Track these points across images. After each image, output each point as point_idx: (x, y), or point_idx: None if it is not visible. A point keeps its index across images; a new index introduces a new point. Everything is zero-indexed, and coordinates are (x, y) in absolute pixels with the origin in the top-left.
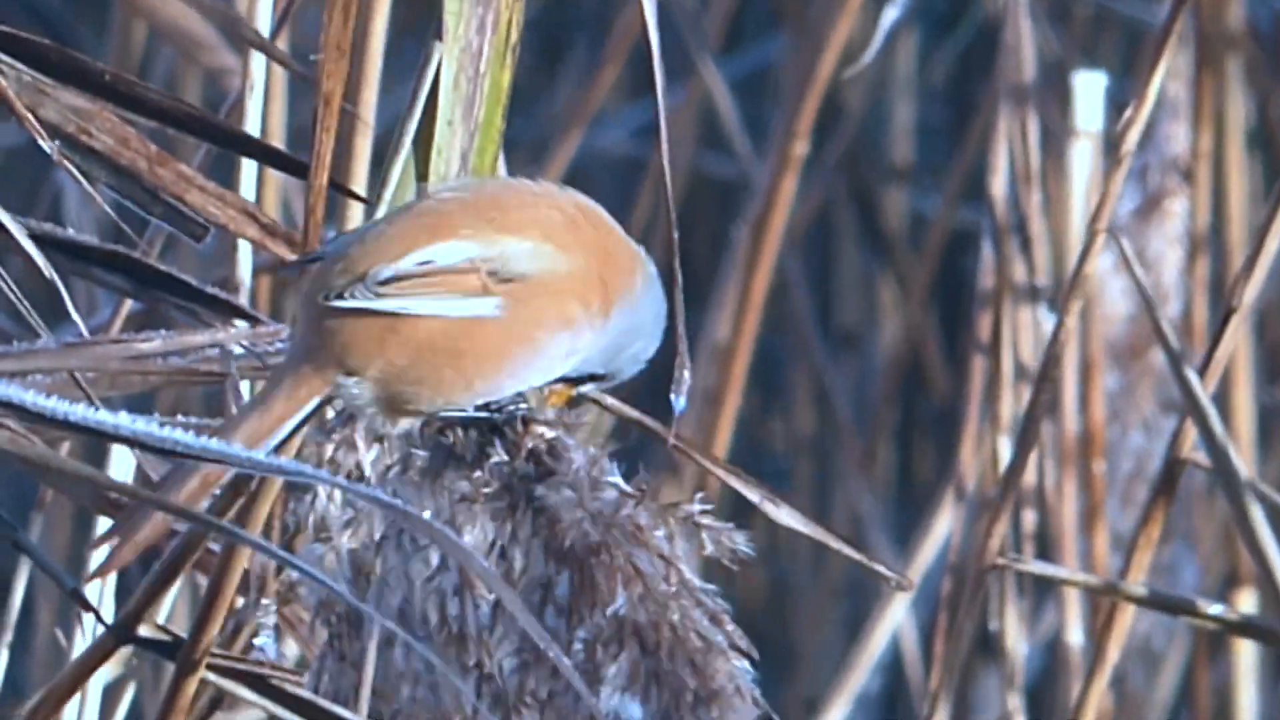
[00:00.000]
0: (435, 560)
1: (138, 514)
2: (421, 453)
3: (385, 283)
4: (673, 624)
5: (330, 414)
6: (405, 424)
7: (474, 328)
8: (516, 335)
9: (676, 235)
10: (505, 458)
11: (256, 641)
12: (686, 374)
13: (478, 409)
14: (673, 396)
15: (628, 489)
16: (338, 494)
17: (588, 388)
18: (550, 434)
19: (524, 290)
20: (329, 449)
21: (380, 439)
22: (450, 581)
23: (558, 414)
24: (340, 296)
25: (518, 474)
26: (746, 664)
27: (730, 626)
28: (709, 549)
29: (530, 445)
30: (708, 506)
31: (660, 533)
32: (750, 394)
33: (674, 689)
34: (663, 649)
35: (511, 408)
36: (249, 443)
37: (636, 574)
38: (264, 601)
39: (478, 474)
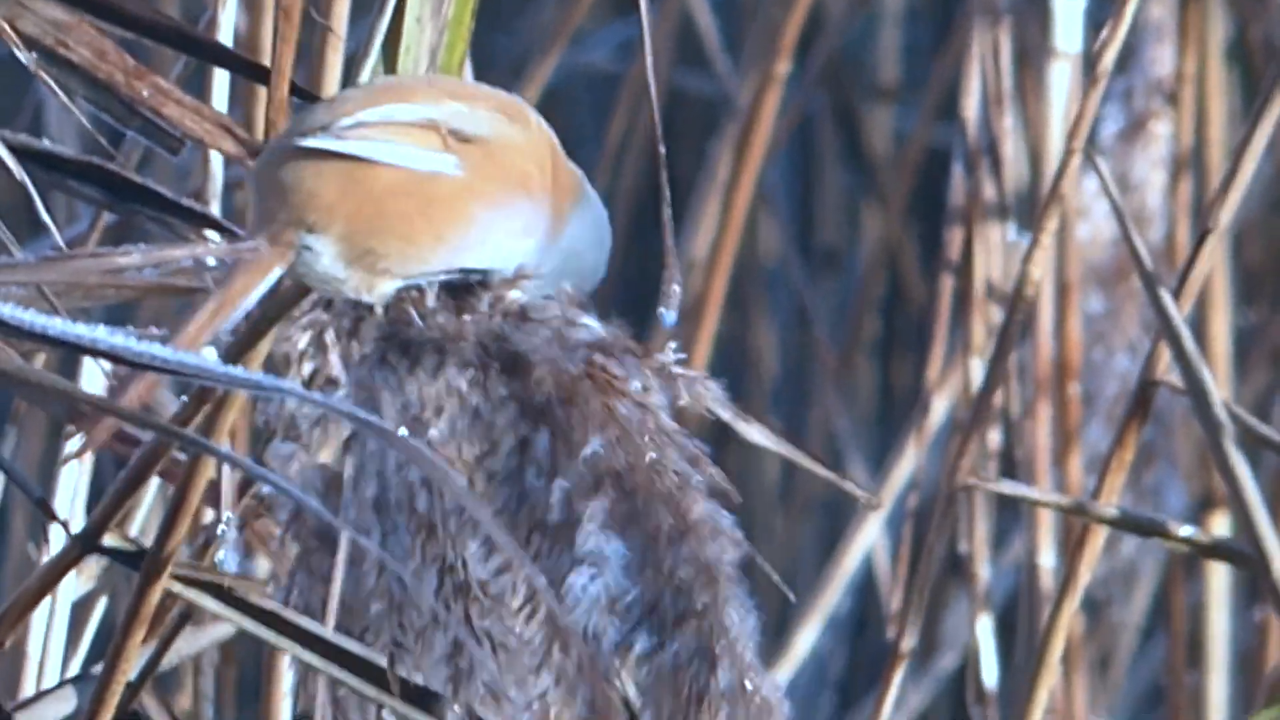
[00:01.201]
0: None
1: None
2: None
3: (346, 129)
4: (648, 465)
5: (298, 311)
6: (381, 290)
7: (436, 181)
8: (478, 192)
9: (663, 149)
10: (479, 313)
11: (218, 556)
12: (677, 288)
13: (450, 273)
14: (661, 310)
15: (602, 333)
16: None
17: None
18: (523, 297)
19: (482, 153)
20: (299, 343)
21: (352, 331)
22: (418, 474)
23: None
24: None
25: (491, 330)
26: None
27: (711, 469)
28: (684, 398)
29: (505, 300)
30: (682, 356)
31: (636, 383)
32: (729, 312)
33: (650, 527)
34: (639, 490)
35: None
36: (214, 319)
37: (612, 418)
38: (227, 515)
39: (452, 336)
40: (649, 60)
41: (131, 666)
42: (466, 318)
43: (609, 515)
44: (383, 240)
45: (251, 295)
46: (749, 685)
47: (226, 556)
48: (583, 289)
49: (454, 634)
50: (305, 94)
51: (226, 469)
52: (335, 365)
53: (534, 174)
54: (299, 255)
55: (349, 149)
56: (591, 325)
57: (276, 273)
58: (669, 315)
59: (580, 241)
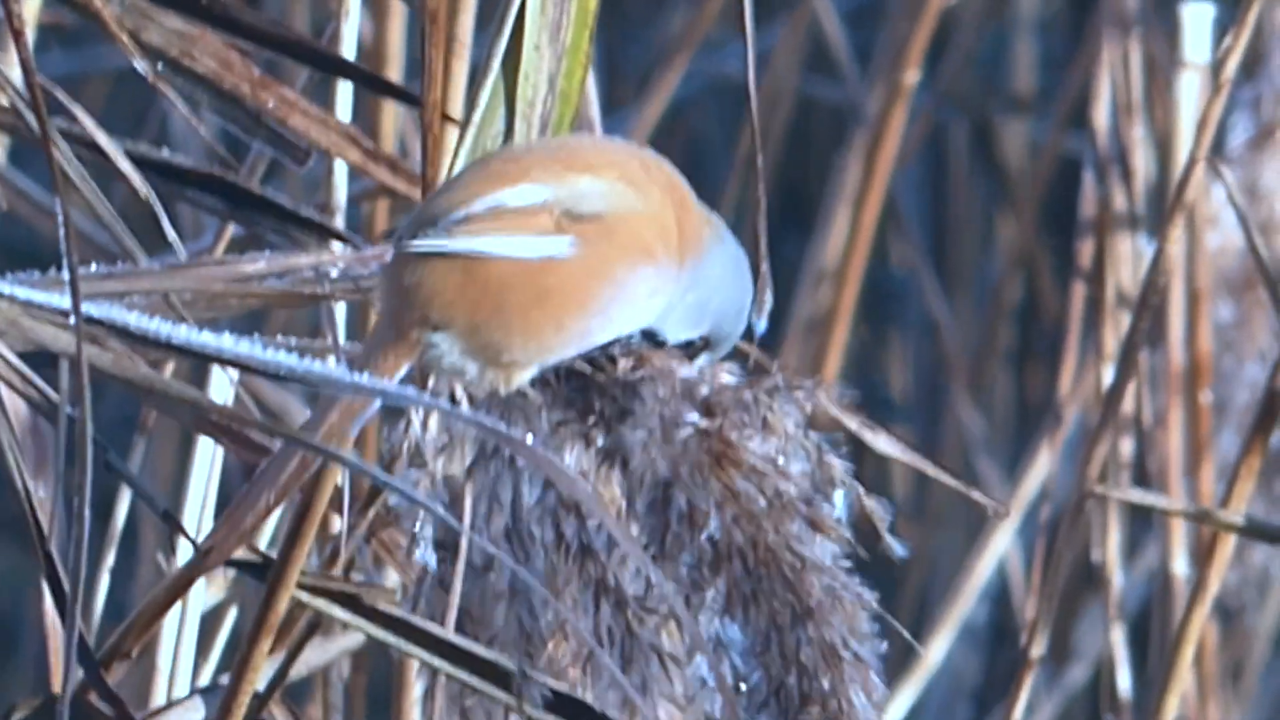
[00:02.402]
0: (536, 483)
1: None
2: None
3: (456, 225)
4: (768, 543)
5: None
6: (514, 381)
7: (551, 267)
8: (596, 271)
9: (761, 161)
10: (591, 396)
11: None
12: (768, 296)
13: (578, 358)
14: (754, 319)
15: (703, 425)
16: (432, 420)
17: (701, 359)
18: (636, 373)
19: (599, 228)
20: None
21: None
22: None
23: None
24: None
25: (603, 414)
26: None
27: (835, 532)
28: (806, 410)
29: (618, 380)
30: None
31: (754, 441)
32: (861, 323)
33: (771, 609)
34: (759, 568)
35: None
36: (342, 419)
37: (730, 495)
38: (362, 525)
39: (570, 411)
40: (751, 71)
41: (259, 676)
42: (579, 397)
43: (730, 597)
44: (505, 334)
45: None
46: None
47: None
48: (725, 330)
49: (626, 649)
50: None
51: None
52: (461, 393)
53: (655, 239)
54: (426, 352)
55: (458, 246)
56: (703, 380)
57: (405, 369)
58: (760, 323)
59: (711, 285)
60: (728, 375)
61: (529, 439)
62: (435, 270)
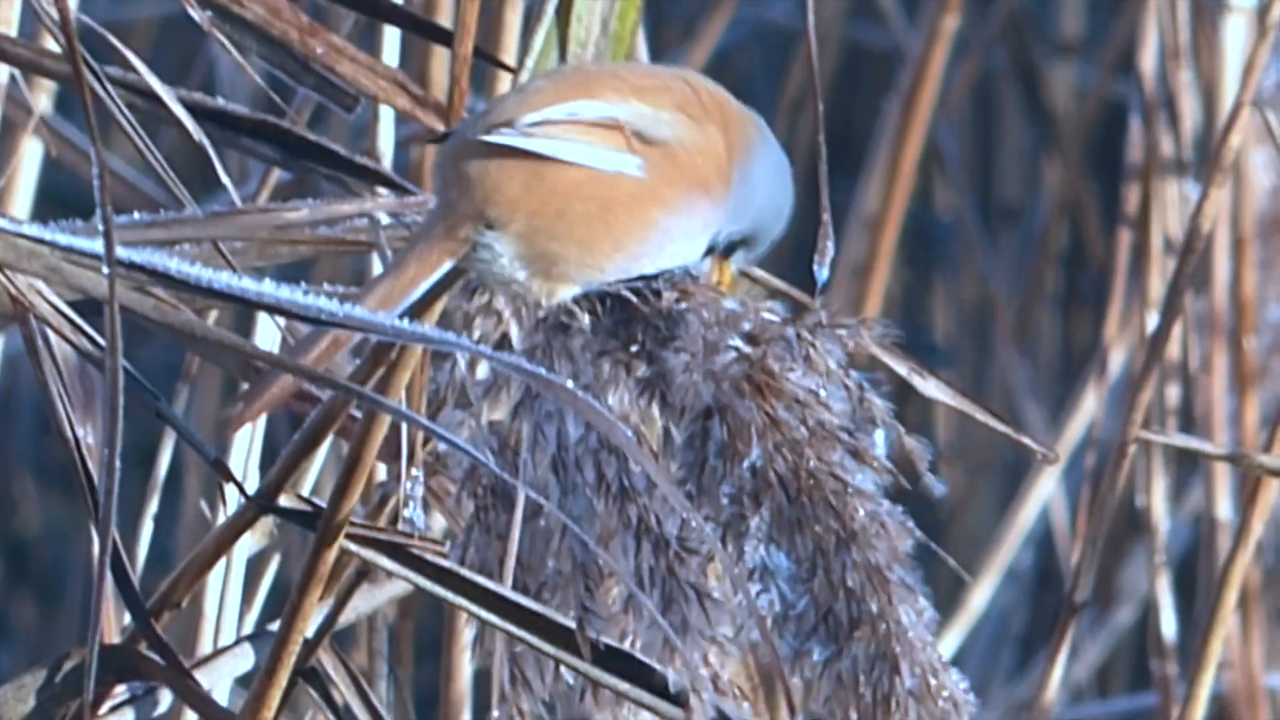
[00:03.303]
0: (580, 421)
1: (270, 377)
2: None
3: (533, 126)
4: (810, 470)
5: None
6: (558, 296)
7: (619, 182)
8: (658, 197)
9: (821, 108)
10: (635, 327)
11: (405, 513)
12: (830, 244)
13: (623, 282)
14: (815, 266)
15: (758, 320)
16: (478, 362)
17: (738, 258)
18: (680, 304)
19: (663, 155)
20: (471, 313)
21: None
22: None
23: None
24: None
25: (645, 344)
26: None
27: (876, 461)
28: (849, 348)
29: (661, 310)
30: (831, 310)
31: (796, 374)
32: (904, 268)
33: (815, 535)
34: (802, 496)
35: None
36: (380, 306)
37: (772, 424)
38: (413, 472)
39: (612, 341)
40: (811, 17)
41: (308, 625)
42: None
43: (774, 525)
44: (563, 243)
45: (421, 285)
46: (933, 683)
47: (413, 513)
48: (763, 227)
49: (667, 590)
50: (483, 54)
51: (403, 428)
52: (510, 331)
53: (712, 172)
54: (476, 252)
55: (535, 146)
56: (747, 313)
57: (448, 265)
58: (821, 271)
59: (752, 184)
60: (770, 313)
61: (573, 376)
62: (503, 168)
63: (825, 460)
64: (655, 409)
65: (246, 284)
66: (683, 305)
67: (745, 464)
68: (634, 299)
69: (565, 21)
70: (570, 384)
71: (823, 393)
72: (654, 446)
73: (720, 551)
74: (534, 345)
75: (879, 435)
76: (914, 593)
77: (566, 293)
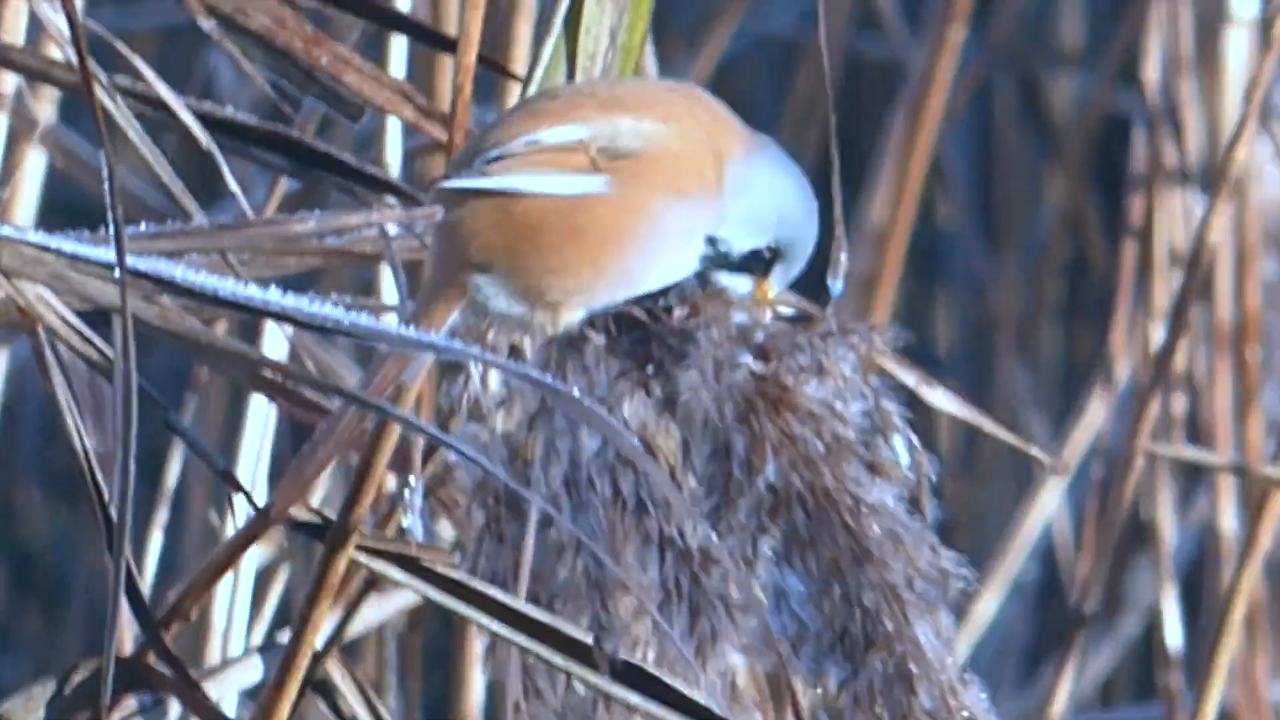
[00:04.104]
0: (596, 435)
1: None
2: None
3: (491, 163)
4: (826, 488)
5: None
6: (563, 322)
7: (585, 205)
8: (629, 208)
9: (834, 119)
10: (650, 346)
11: (404, 523)
12: (844, 256)
13: (627, 301)
14: (829, 280)
15: (757, 368)
16: (490, 375)
17: (776, 275)
18: (690, 320)
19: (635, 166)
20: (484, 327)
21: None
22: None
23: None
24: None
25: (660, 362)
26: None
27: (894, 471)
28: (861, 353)
29: (672, 327)
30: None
31: (811, 386)
32: (908, 280)
33: (831, 554)
34: (817, 513)
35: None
36: (396, 370)
37: (788, 439)
38: (413, 481)
39: (628, 362)
40: (822, 29)
41: (317, 636)
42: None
43: (790, 543)
44: (542, 274)
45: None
46: (953, 703)
47: (413, 523)
48: (793, 236)
49: (694, 600)
50: (491, 63)
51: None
52: (522, 345)
53: (691, 177)
54: (475, 294)
55: (492, 184)
56: (758, 326)
57: (455, 314)
58: (836, 285)
59: (762, 189)
60: (780, 324)
61: (587, 392)
62: (475, 210)
63: (840, 476)
64: (672, 426)
65: (253, 292)
66: (693, 321)
67: (762, 481)
68: (644, 317)
69: (574, 34)
70: (578, 394)
71: (838, 404)
72: (671, 460)
73: (730, 565)
74: (546, 359)
75: (898, 442)
76: (935, 608)
77: (569, 319)
